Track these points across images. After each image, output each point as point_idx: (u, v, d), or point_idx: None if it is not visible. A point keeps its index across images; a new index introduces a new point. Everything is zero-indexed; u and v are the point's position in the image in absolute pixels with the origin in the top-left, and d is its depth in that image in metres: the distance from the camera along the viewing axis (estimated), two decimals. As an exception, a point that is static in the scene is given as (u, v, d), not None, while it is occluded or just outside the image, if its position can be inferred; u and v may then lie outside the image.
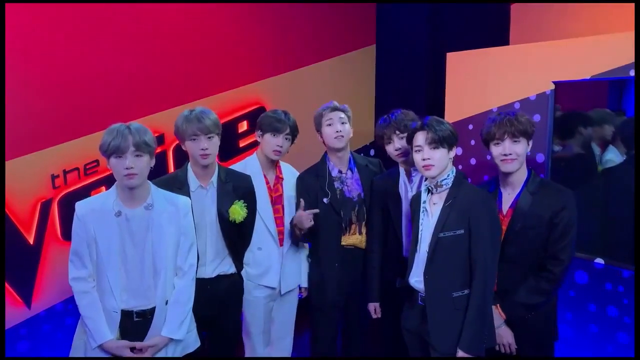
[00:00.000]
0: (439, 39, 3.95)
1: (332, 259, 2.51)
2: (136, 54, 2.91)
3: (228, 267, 2.34)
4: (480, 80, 3.28)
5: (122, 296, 1.93)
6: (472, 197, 1.94)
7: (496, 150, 2.06)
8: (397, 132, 2.34)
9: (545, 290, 2.04)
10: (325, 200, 2.49)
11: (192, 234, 2.08)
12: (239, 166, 2.52)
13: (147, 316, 1.96)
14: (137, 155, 1.87)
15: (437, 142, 1.94)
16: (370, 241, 2.51)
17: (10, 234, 2.51)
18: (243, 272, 2.43)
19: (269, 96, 3.54)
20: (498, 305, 2.08)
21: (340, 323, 2.67)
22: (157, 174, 2.20)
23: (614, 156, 2.66)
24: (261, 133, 2.47)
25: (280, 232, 2.52)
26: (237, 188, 2.32)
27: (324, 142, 2.56)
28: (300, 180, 2.57)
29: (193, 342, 2.12)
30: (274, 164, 2.55)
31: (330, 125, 2.47)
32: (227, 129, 2.97)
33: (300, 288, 2.65)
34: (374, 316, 2.49)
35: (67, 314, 2.73)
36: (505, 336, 2.06)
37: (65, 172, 2.69)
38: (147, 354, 1.94)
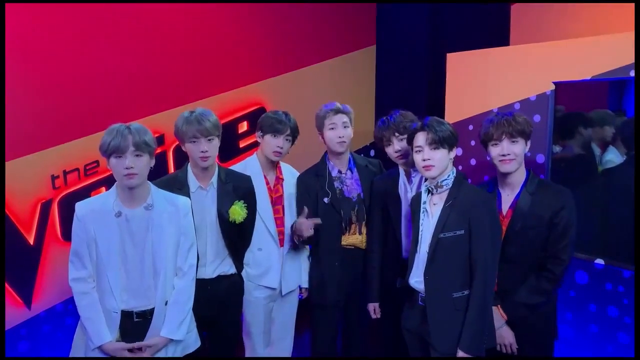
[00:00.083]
0: (439, 39, 3.94)
1: (332, 259, 2.51)
2: (136, 54, 2.91)
3: (228, 268, 2.34)
4: (480, 81, 3.28)
5: (122, 296, 1.93)
6: (473, 198, 1.94)
7: (494, 150, 2.06)
8: (397, 134, 2.34)
9: (546, 290, 2.04)
10: (325, 200, 2.49)
11: (192, 234, 2.08)
12: (239, 167, 2.52)
13: (147, 316, 1.96)
14: (137, 155, 1.87)
15: (438, 142, 1.94)
16: (370, 241, 2.51)
17: (11, 234, 2.51)
18: (243, 273, 2.43)
19: (270, 97, 3.54)
20: (499, 305, 2.08)
21: (341, 323, 2.67)
22: (157, 174, 2.20)
23: (614, 157, 2.66)
24: (261, 134, 2.47)
25: (281, 233, 2.52)
26: (237, 188, 2.32)
27: (324, 141, 2.55)
28: (300, 181, 2.57)
29: (193, 343, 2.13)
30: (274, 165, 2.55)
31: (333, 129, 2.47)
32: (228, 129, 2.97)
33: (300, 288, 2.65)
34: (374, 316, 2.49)
35: (67, 314, 2.73)
36: (506, 336, 2.06)
37: (65, 173, 2.69)
38: (146, 354, 1.94)
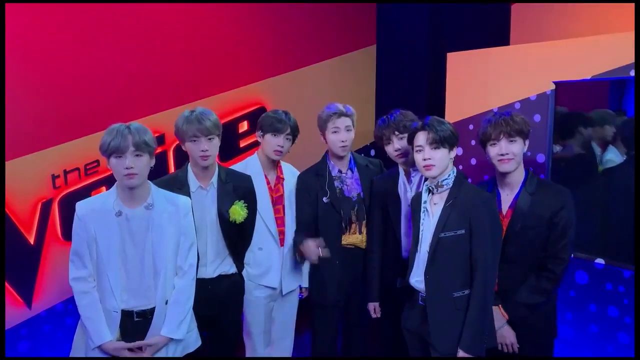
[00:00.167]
0: (439, 39, 3.94)
1: (332, 259, 2.50)
2: (136, 54, 2.91)
3: (229, 268, 2.34)
4: (480, 81, 3.28)
5: (122, 296, 1.93)
6: (473, 197, 1.94)
7: (493, 150, 2.06)
8: (396, 132, 2.34)
9: (547, 289, 2.04)
10: (325, 199, 2.49)
11: (192, 234, 2.08)
12: (239, 166, 2.52)
13: (147, 316, 1.96)
14: (137, 155, 1.87)
15: (438, 142, 1.94)
16: (370, 241, 2.51)
17: (11, 234, 2.51)
18: (244, 272, 2.43)
19: (270, 96, 3.54)
20: (500, 305, 2.08)
21: (341, 323, 2.67)
22: (157, 174, 2.20)
23: (614, 156, 2.66)
24: (262, 133, 2.47)
25: (281, 232, 2.52)
26: (237, 188, 2.32)
27: (326, 142, 2.55)
28: (300, 180, 2.57)
29: (194, 342, 2.13)
30: (275, 164, 2.55)
31: (335, 132, 2.47)
32: (228, 129, 2.97)
33: (300, 288, 2.65)
34: (374, 316, 2.49)
35: (67, 314, 2.73)
36: (508, 336, 2.07)
37: (65, 172, 2.69)
38: (146, 354, 1.94)
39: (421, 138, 1.98)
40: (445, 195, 1.99)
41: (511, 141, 2.03)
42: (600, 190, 2.75)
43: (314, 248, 2.36)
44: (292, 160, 2.71)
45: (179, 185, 2.22)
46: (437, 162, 1.95)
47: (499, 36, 4.04)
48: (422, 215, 2.04)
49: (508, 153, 2.03)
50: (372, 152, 4.05)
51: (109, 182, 2.72)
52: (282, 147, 2.44)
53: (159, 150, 2.78)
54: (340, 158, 2.54)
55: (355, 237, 2.53)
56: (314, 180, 2.53)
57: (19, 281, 2.57)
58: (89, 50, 2.72)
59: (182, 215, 2.03)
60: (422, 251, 2.02)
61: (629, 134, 2.57)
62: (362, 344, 2.71)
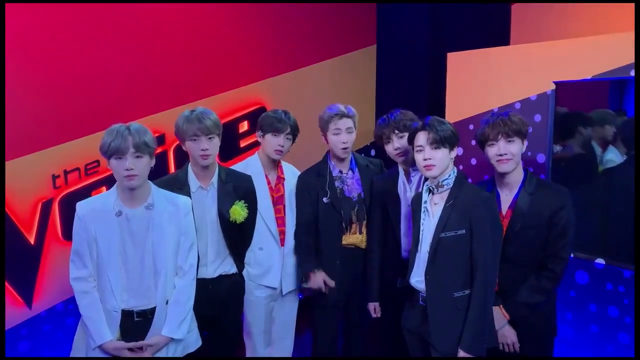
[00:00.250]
0: (439, 39, 3.94)
1: (332, 258, 2.51)
2: (136, 54, 2.91)
3: (229, 268, 2.34)
4: (481, 81, 3.28)
5: (122, 296, 1.93)
6: (473, 198, 1.94)
7: (491, 151, 2.06)
8: (396, 131, 2.34)
9: (547, 288, 2.05)
10: (325, 199, 2.49)
11: (192, 234, 2.08)
12: (240, 166, 2.52)
13: (147, 316, 1.96)
14: (137, 157, 1.87)
15: (439, 142, 1.94)
16: (370, 241, 2.51)
17: (11, 234, 2.51)
18: (244, 272, 2.44)
19: (270, 96, 3.54)
20: (501, 305, 2.08)
21: (341, 323, 2.67)
22: (157, 174, 2.20)
23: (614, 156, 2.66)
24: (262, 133, 2.47)
25: (282, 232, 2.52)
26: (237, 188, 2.32)
27: (327, 143, 2.55)
28: (301, 180, 2.57)
29: (194, 342, 2.13)
30: (276, 164, 2.55)
31: (337, 134, 2.47)
32: (228, 129, 2.97)
33: (301, 288, 2.64)
34: (374, 316, 2.49)
35: (67, 314, 2.73)
36: (509, 336, 2.07)
37: (66, 172, 2.69)
38: (146, 354, 1.94)
39: (422, 138, 1.98)
40: (445, 195, 1.99)
41: (509, 141, 2.03)
42: (600, 190, 2.75)
43: (320, 281, 2.45)
44: (292, 160, 2.71)
45: (179, 185, 2.22)
46: (438, 162, 1.95)
47: (499, 36, 4.05)
48: (422, 215, 2.04)
49: (507, 153, 2.03)
50: (373, 152, 4.05)
51: (109, 182, 2.72)
52: (283, 146, 2.44)
53: (159, 150, 2.78)
54: (342, 159, 2.54)
55: (355, 237, 2.53)
56: (315, 180, 2.53)
57: (19, 281, 2.57)
58: (89, 50, 2.72)
59: (182, 215, 2.03)
60: (422, 251, 2.02)
61: (629, 134, 2.57)
62: (362, 344, 2.71)
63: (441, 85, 3.56)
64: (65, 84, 2.66)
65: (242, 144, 3.44)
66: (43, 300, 2.66)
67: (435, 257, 1.95)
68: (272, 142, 2.44)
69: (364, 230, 2.54)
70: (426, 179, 2.11)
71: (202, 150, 2.18)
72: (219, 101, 3.26)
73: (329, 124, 2.47)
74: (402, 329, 2.17)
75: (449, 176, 1.99)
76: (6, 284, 2.52)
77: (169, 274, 1.99)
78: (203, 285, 2.20)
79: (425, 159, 1.96)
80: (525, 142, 2.08)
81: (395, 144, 2.35)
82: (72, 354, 2.03)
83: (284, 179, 2.56)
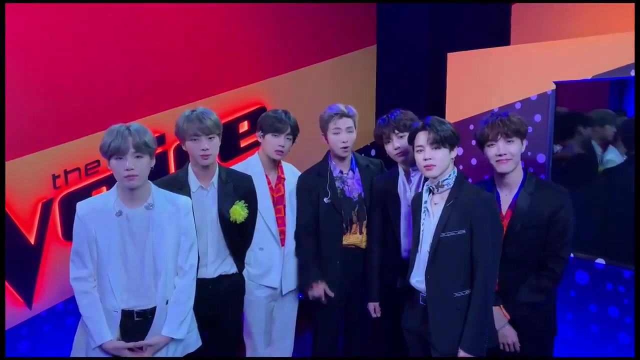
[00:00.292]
0: (439, 39, 3.94)
1: (333, 258, 2.51)
2: (137, 54, 2.91)
3: (229, 268, 2.34)
4: (481, 81, 3.28)
5: (122, 296, 1.93)
6: (474, 197, 1.94)
7: (490, 151, 2.06)
8: (396, 131, 2.34)
9: (547, 288, 2.05)
10: (326, 199, 2.49)
11: (192, 234, 2.08)
12: (240, 166, 2.52)
13: (147, 316, 1.96)
14: (137, 157, 1.88)
15: (439, 142, 1.94)
16: (370, 241, 2.52)
17: (11, 234, 2.51)
18: (244, 272, 2.44)
19: (270, 96, 3.54)
20: (501, 305, 2.08)
21: (341, 323, 2.67)
22: (157, 174, 2.20)
23: (614, 156, 2.66)
24: (262, 134, 2.47)
25: (282, 232, 2.52)
26: (237, 188, 2.32)
27: (327, 143, 2.55)
28: (301, 180, 2.57)
29: (194, 342, 2.13)
30: (276, 164, 2.55)
31: (337, 134, 2.47)
32: (228, 129, 2.96)
33: (302, 285, 2.64)
34: (374, 315, 2.49)
35: (67, 314, 2.73)
36: (509, 335, 2.07)
37: (66, 172, 2.69)
38: (146, 354, 1.95)
39: (422, 138, 1.98)
40: (445, 195, 1.99)
41: (509, 141, 2.03)
42: (600, 190, 2.75)
43: (321, 291, 2.47)
44: (292, 160, 2.71)
45: (180, 185, 2.22)
46: (438, 162, 1.95)
47: (500, 36, 4.05)
48: (422, 215, 2.04)
49: (506, 153, 2.03)
50: (373, 152, 4.05)
51: (109, 182, 2.72)
52: (283, 147, 2.44)
53: (159, 150, 2.78)
54: (342, 158, 2.54)
55: (355, 237, 2.53)
56: (316, 180, 2.53)
57: (19, 281, 2.57)
58: (89, 50, 2.72)
59: (182, 215, 2.03)
60: (422, 251, 2.02)
61: (629, 134, 2.57)
62: (362, 344, 2.71)
63: (441, 85, 3.56)
64: (65, 84, 2.66)
65: (242, 144, 3.44)
66: (43, 300, 2.66)
67: (436, 257, 1.95)
68: (272, 143, 2.44)
69: (364, 230, 2.54)
70: (426, 179, 2.11)
71: (203, 150, 2.18)
72: (219, 101, 3.26)
73: (328, 123, 2.48)
74: (402, 329, 2.17)
75: (449, 176, 1.99)
76: (6, 283, 2.51)
77: (169, 274, 1.99)
78: (203, 285, 2.20)
79: (425, 159, 1.96)
80: (525, 142, 2.08)
81: (395, 144, 2.35)
82: (73, 354, 2.03)
83: (284, 179, 2.56)
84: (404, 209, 2.36)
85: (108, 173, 2.73)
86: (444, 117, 3.29)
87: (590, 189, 2.76)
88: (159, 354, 1.98)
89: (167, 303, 1.99)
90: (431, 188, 2.03)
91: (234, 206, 2.26)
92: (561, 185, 2.15)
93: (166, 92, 3.03)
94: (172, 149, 3.07)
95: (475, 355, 1.88)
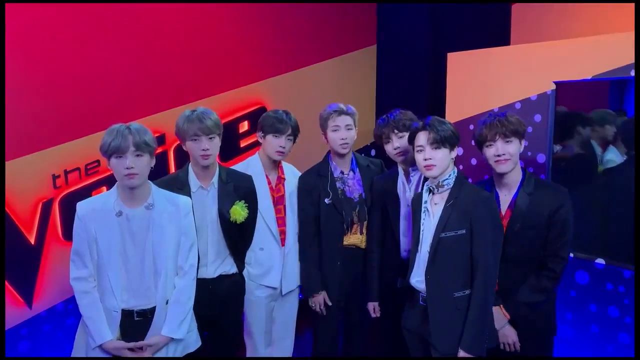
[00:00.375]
0: (439, 39, 3.95)
1: (334, 259, 2.51)
2: (137, 54, 2.91)
3: (229, 268, 2.34)
4: (481, 81, 3.28)
5: (122, 296, 1.93)
6: (474, 197, 1.94)
7: (489, 151, 2.07)
8: (396, 131, 2.34)
9: (547, 288, 2.05)
10: (326, 200, 2.49)
11: (192, 234, 2.08)
12: (241, 166, 2.52)
13: (147, 316, 1.96)
14: (138, 155, 1.88)
15: (439, 142, 1.94)
16: (370, 241, 2.52)
17: (11, 234, 2.51)
18: (245, 272, 2.44)
19: (270, 96, 3.54)
20: (501, 305, 2.08)
21: (341, 323, 2.67)
22: (157, 174, 2.20)
23: (614, 156, 2.66)
24: (263, 134, 2.47)
25: (282, 232, 2.52)
26: (237, 188, 2.32)
27: (327, 142, 2.55)
28: (302, 180, 2.57)
29: (194, 342, 2.13)
30: (276, 165, 2.55)
31: (336, 131, 2.47)
32: (228, 129, 2.96)
33: (301, 288, 2.65)
34: (373, 315, 2.50)
35: (68, 314, 2.73)
36: (509, 335, 2.07)
37: (66, 172, 2.69)
38: (146, 354, 1.95)
39: (422, 138, 1.98)
40: (445, 195, 1.99)
41: (507, 142, 2.03)
42: (600, 190, 2.75)
43: (322, 301, 2.49)
44: (293, 160, 2.71)
45: (180, 185, 2.22)
46: (438, 162, 1.95)
47: (500, 36, 4.05)
48: (422, 215, 2.04)
49: (504, 154, 2.03)
50: (373, 152, 4.05)
51: (109, 182, 2.72)
52: (284, 147, 2.44)
53: (159, 150, 2.78)
54: (342, 157, 2.54)
55: (356, 238, 2.53)
56: (316, 181, 2.53)
57: (19, 281, 2.57)
58: (89, 50, 2.72)
59: (182, 215, 2.03)
60: (422, 251, 2.02)
61: (629, 134, 2.57)
62: (362, 344, 2.71)
63: (441, 85, 3.56)
64: (65, 84, 2.66)
65: (243, 144, 3.44)
66: (43, 300, 2.65)
67: (436, 257, 1.95)
68: (273, 143, 2.44)
69: (364, 230, 2.54)
70: (426, 179, 2.11)
71: (203, 150, 2.18)
72: (219, 101, 3.26)
73: (327, 121, 2.48)
74: (402, 329, 2.17)
75: (449, 176, 1.99)
76: (6, 283, 2.51)
77: (169, 274, 1.99)
78: (203, 285, 2.20)
79: (425, 159, 1.96)
80: (524, 142, 2.08)
81: (395, 144, 2.35)
82: (73, 354, 2.03)
83: (284, 179, 2.56)
84: (403, 209, 2.37)
85: (108, 173, 2.73)
86: (444, 117, 3.29)
87: (590, 189, 2.76)
88: (159, 354, 1.98)
89: (167, 303, 1.99)
90: (431, 188, 2.03)
91: (234, 206, 2.26)
92: (561, 185, 2.15)
93: (166, 92, 3.03)
94: (172, 149, 3.07)
95: (476, 355, 1.88)
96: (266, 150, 2.48)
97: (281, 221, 2.52)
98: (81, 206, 1.95)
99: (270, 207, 2.49)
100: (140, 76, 2.93)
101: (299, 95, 3.65)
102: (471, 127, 3.27)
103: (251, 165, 2.51)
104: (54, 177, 2.65)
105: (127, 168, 1.86)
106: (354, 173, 2.58)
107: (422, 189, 2.11)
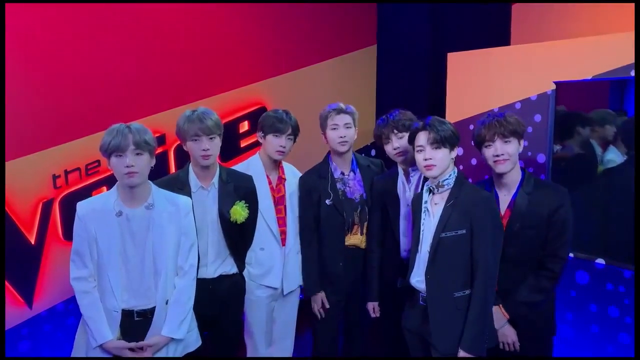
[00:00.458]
0: (440, 39, 3.95)
1: (335, 260, 2.51)
2: (137, 54, 2.91)
3: (230, 268, 2.34)
4: (481, 81, 3.28)
5: (122, 296, 1.93)
6: (474, 197, 1.94)
7: (488, 152, 2.07)
8: (395, 131, 2.34)
9: (546, 288, 2.05)
10: (327, 201, 2.49)
11: (192, 234, 2.08)
12: (241, 166, 2.52)
13: (147, 316, 1.97)
14: (138, 154, 1.88)
15: (439, 142, 1.94)
16: (370, 241, 2.52)
17: (12, 234, 2.51)
18: (245, 272, 2.44)
19: (270, 96, 3.54)
20: (500, 305, 2.08)
21: (341, 323, 2.67)
22: (158, 174, 2.20)
23: (614, 156, 2.66)
24: (263, 134, 2.47)
25: (283, 232, 2.52)
26: (238, 188, 2.32)
27: (327, 142, 2.55)
28: (302, 181, 2.57)
29: (194, 342, 2.13)
30: (277, 164, 2.55)
31: (334, 129, 2.47)
32: (229, 129, 2.96)
33: (301, 288, 2.65)
34: (373, 315, 2.50)
35: (68, 314, 2.73)
36: (509, 335, 2.07)
37: (66, 172, 2.69)
38: (147, 354, 1.95)
39: (422, 138, 1.98)
40: (446, 195, 1.99)
41: (506, 142, 2.03)
42: (600, 190, 2.75)
43: (319, 303, 2.51)
44: (293, 160, 2.71)
45: (180, 186, 2.22)
46: (438, 162, 1.95)
47: (500, 36, 4.05)
48: (422, 215, 2.04)
49: (503, 154, 2.03)
50: (373, 152, 4.05)
51: (109, 182, 2.72)
52: (285, 147, 2.44)
53: (159, 150, 2.78)
54: (342, 158, 2.54)
55: (356, 238, 2.53)
56: (316, 181, 2.52)
57: (19, 281, 2.57)
58: (89, 50, 2.72)
59: (182, 215, 2.03)
60: (422, 251, 2.02)
61: (629, 134, 2.57)
62: (362, 344, 2.71)
63: (441, 85, 3.56)
64: (65, 84, 2.66)
65: (243, 144, 3.44)
66: (43, 300, 2.66)
67: (436, 257, 1.95)
68: (273, 143, 2.44)
69: (365, 231, 2.54)
70: (426, 179, 2.11)
71: (203, 150, 2.18)
72: (219, 101, 3.26)
73: (327, 120, 2.48)
74: (402, 329, 2.17)
75: (449, 176, 1.99)
76: (7, 283, 2.52)
77: (169, 274, 1.99)
78: (203, 285, 2.20)
79: (425, 159, 1.96)
80: (523, 142, 2.09)
81: (395, 144, 2.35)
82: (73, 354, 2.03)
83: (285, 179, 2.56)
84: (403, 208, 2.37)
85: (108, 173, 2.73)
86: (444, 117, 3.29)
87: (590, 189, 2.76)
88: (159, 354, 1.98)
89: (167, 303, 1.99)
90: (431, 188, 2.03)
91: (234, 206, 2.26)
92: (561, 185, 2.15)
93: (166, 92, 3.03)
94: (173, 149, 3.07)
95: (476, 355, 1.88)
96: (267, 150, 2.48)
97: (282, 221, 2.52)
98: (81, 206, 1.95)
99: (271, 207, 2.49)
100: (140, 76, 2.93)
101: (299, 95, 3.65)
102: (471, 127, 3.27)
103: (252, 166, 2.51)
104: (54, 177, 2.65)
105: (127, 166, 1.86)
106: (355, 174, 2.58)
107: (422, 189, 2.11)
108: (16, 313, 2.57)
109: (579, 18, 3.72)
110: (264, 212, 2.45)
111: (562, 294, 2.82)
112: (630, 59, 2.58)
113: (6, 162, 2.47)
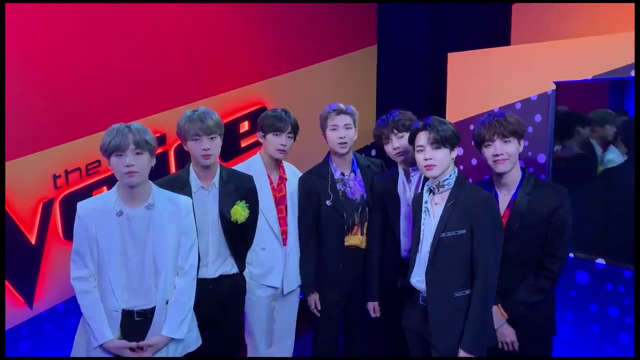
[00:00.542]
0: (440, 39, 3.95)
1: (335, 260, 2.51)
2: (137, 54, 2.91)
3: (230, 268, 2.34)
4: (481, 81, 3.28)
5: (123, 296, 1.93)
6: (474, 197, 1.95)
7: (488, 152, 2.07)
8: (395, 131, 2.34)
9: (545, 288, 2.05)
10: (328, 202, 2.49)
11: (193, 234, 2.09)
12: (242, 166, 2.52)
13: (147, 316, 1.97)
14: (138, 153, 1.88)
15: (439, 142, 1.94)
16: (370, 241, 2.52)
17: (12, 234, 2.51)
18: (246, 272, 2.44)
19: (271, 96, 3.54)
20: (499, 305, 2.08)
21: (341, 323, 2.67)
22: (158, 174, 2.20)
23: (615, 156, 2.66)
24: (263, 134, 2.47)
25: (284, 232, 2.52)
26: (238, 188, 2.32)
27: (327, 142, 2.55)
28: (302, 181, 2.57)
29: (194, 342, 2.13)
30: (278, 164, 2.55)
31: (334, 130, 2.47)
32: (229, 129, 2.96)
33: (301, 288, 2.65)
34: (373, 315, 2.50)
35: (68, 314, 2.73)
36: (508, 334, 2.08)
37: (67, 172, 2.69)
38: (147, 354, 1.95)
39: (422, 138, 1.98)
40: (446, 195, 1.99)
41: (505, 142, 2.03)
42: (600, 190, 2.75)
43: (313, 303, 2.54)
44: (293, 160, 2.71)
45: (181, 186, 2.22)
46: (439, 162, 1.95)
47: (500, 36, 4.05)
48: (423, 215, 2.04)
49: (503, 153, 2.03)
50: (373, 152, 4.05)
51: (110, 182, 2.72)
52: (285, 145, 2.44)
53: (160, 150, 2.78)
54: (342, 158, 2.54)
55: (356, 238, 2.53)
56: (316, 182, 2.52)
57: (20, 281, 2.57)
58: (89, 50, 2.72)
59: (183, 215, 2.04)
60: (423, 251, 2.02)
61: (629, 134, 2.57)
62: (362, 344, 2.71)
63: (441, 85, 3.56)
64: (65, 84, 2.66)
65: (243, 144, 3.44)
66: (44, 300, 2.66)
67: (436, 257, 1.95)
68: (274, 142, 2.44)
69: (365, 231, 2.54)
70: (426, 179, 2.11)
71: (204, 150, 2.18)
72: (219, 101, 3.26)
73: (326, 120, 2.48)
74: (402, 329, 2.17)
75: (449, 176, 1.99)
76: (7, 283, 2.52)
77: (169, 274, 1.99)
78: (204, 285, 2.20)
79: (426, 159, 1.96)
80: (523, 142, 2.09)
81: (395, 144, 2.35)
82: (73, 353, 2.03)
83: (286, 179, 2.56)
84: (403, 208, 2.37)
85: (109, 173, 2.73)
86: (444, 117, 3.29)
87: (590, 189, 2.76)
88: (159, 354, 1.98)
89: (167, 303, 1.99)
90: (432, 188, 2.03)
91: (234, 206, 2.26)
92: (561, 185, 2.15)
93: (167, 92, 3.03)
94: (173, 149, 3.07)
95: (476, 355, 1.89)
96: (267, 150, 2.48)
97: (283, 221, 2.52)
98: (82, 206, 1.95)
99: (272, 207, 2.49)
100: (140, 76, 2.93)
101: (299, 95, 3.65)
102: (471, 127, 3.27)
103: (253, 165, 2.51)
104: (55, 177, 2.65)
105: (127, 166, 1.86)
106: (355, 174, 2.57)
107: (422, 189, 2.12)
108: (16, 313, 2.57)
109: (579, 18, 3.72)
110: (265, 212, 2.45)
111: (562, 294, 2.82)
112: (630, 59, 2.59)
113: (6, 162, 2.47)
